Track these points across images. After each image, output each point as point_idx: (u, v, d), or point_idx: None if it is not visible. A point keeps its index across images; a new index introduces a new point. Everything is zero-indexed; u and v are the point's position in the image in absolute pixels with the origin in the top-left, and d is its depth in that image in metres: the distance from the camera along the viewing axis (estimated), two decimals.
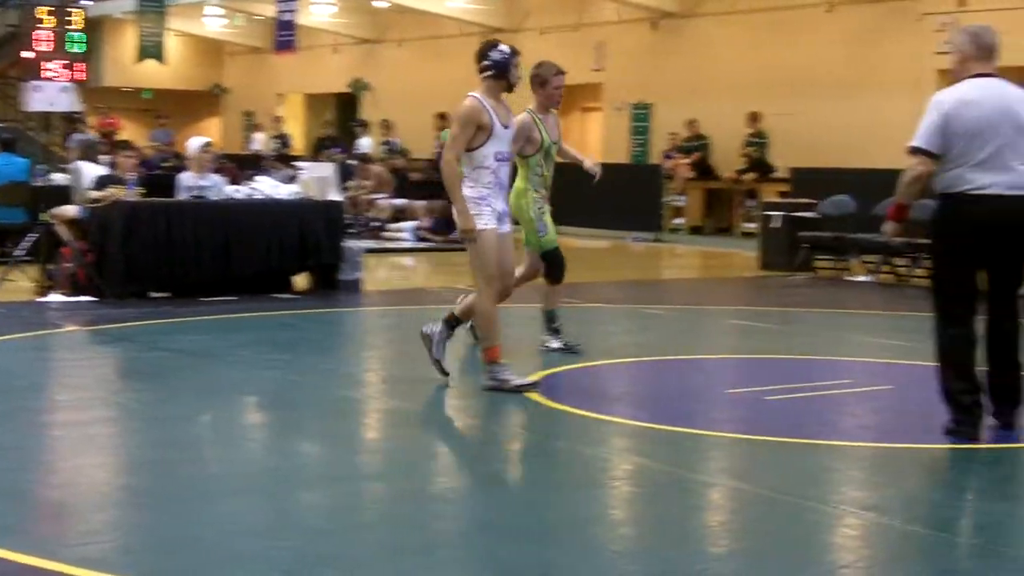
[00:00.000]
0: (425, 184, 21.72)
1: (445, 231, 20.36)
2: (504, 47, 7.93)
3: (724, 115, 24.04)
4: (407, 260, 18.66)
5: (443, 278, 16.29)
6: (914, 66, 21.84)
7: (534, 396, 7.86)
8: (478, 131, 7.72)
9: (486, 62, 7.88)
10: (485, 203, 7.76)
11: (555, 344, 9.28)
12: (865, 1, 23.09)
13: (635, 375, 8.95)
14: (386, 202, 21.71)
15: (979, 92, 6.91)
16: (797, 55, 23.88)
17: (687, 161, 23.49)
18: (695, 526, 5.56)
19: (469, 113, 7.71)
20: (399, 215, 21.42)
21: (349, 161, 23.07)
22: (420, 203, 21.09)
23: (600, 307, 12.66)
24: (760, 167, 22.61)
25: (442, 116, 23.11)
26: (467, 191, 7.72)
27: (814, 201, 17.38)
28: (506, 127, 7.89)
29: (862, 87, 22.80)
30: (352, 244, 14.07)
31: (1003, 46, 7.04)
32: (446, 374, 8.10)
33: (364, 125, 27.25)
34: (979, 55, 6.99)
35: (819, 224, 16.99)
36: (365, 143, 26.03)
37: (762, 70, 24.35)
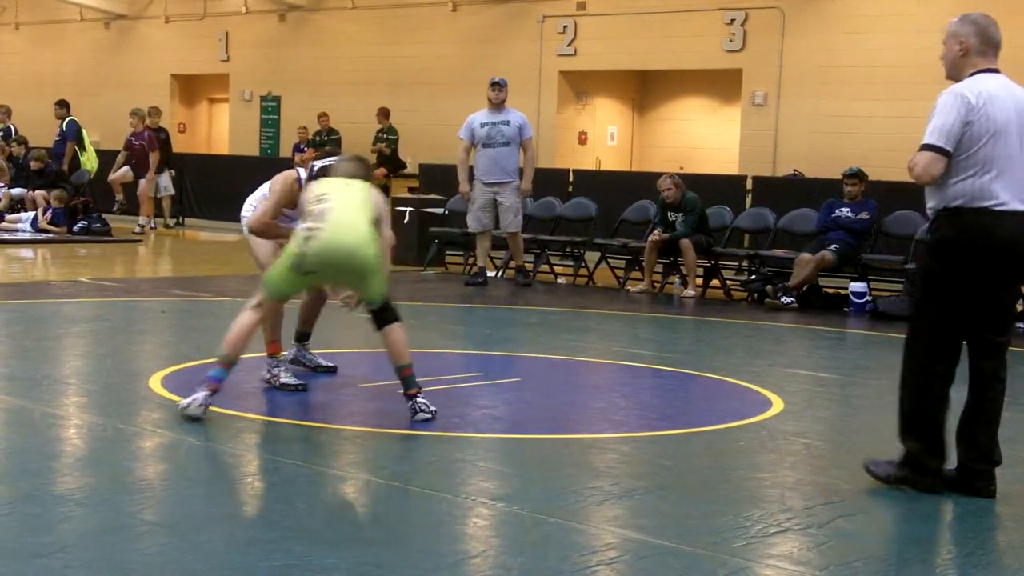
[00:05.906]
0: (44, 173, 20.88)
1: (66, 223, 19.70)
2: (330, 159, 8.28)
3: (354, 110, 24.15)
4: (25, 252, 17.93)
5: (64, 271, 15.75)
6: (535, 66, 22.49)
7: (162, 392, 7.71)
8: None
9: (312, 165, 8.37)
10: None
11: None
12: (487, 1, 23.60)
13: (263, 370, 8.81)
14: (2, 191, 20.78)
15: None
16: (422, 52, 24.22)
17: (318, 155, 23.42)
18: (335, 520, 5.53)
19: (284, 187, 8.32)
20: (17, 205, 20.57)
21: None
22: (39, 193, 20.30)
23: (230, 300, 12.49)
24: (391, 163, 22.77)
25: (61, 104, 22.28)
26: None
27: (443, 198, 17.63)
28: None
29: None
30: None
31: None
32: None
33: None
34: (983, 50, 6.02)
35: (448, 220, 17.26)
36: None
37: (389, 66, 24.60)
